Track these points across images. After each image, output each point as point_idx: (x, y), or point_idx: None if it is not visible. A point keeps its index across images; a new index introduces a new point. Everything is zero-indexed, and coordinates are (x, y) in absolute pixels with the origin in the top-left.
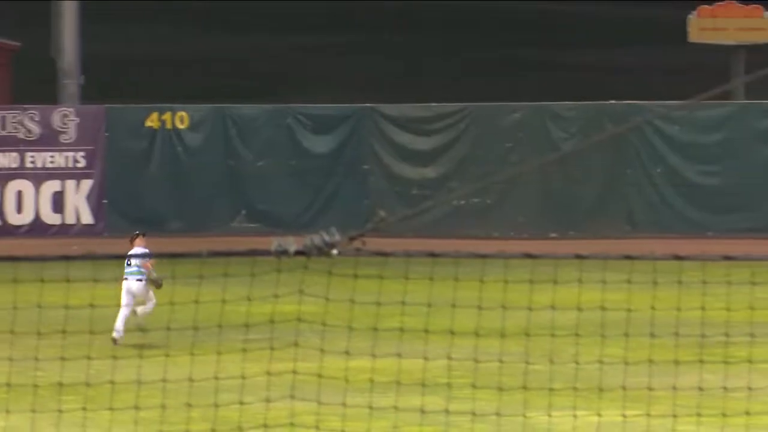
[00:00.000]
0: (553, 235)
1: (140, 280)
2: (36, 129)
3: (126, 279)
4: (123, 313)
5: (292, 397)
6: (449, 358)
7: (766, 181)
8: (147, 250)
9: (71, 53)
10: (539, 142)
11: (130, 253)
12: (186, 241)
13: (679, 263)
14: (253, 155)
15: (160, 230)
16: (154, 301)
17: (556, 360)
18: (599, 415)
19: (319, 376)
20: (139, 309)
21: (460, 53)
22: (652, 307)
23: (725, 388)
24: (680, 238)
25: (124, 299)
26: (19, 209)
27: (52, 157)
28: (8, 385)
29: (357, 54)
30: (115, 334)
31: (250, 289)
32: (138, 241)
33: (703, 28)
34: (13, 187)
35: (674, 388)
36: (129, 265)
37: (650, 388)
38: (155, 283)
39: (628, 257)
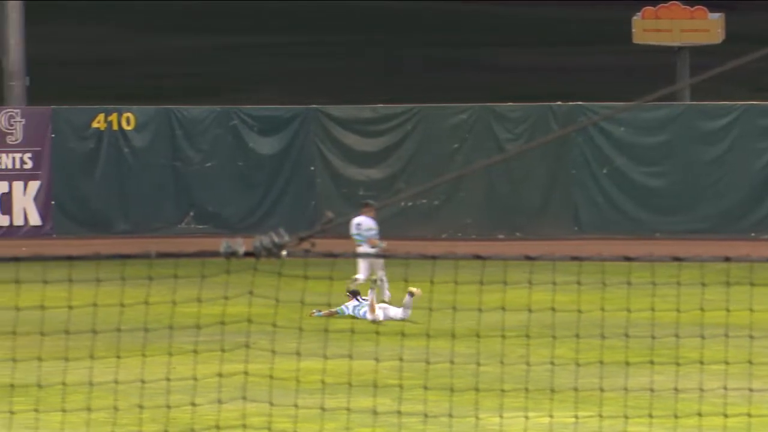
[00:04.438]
0: (501, 236)
1: (363, 245)
2: None
3: (359, 246)
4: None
5: (244, 398)
6: (400, 359)
7: (710, 182)
8: (372, 222)
9: (17, 54)
10: (485, 143)
11: (356, 220)
12: (133, 242)
13: (627, 264)
14: (200, 156)
15: (107, 231)
16: (362, 276)
17: (507, 361)
18: (551, 416)
19: (270, 377)
20: (357, 278)
21: (406, 54)
22: (602, 309)
23: (676, 389)
24: (627, 240)
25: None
26: None
27: None
28: None
29: (303, 55)
30: (358, 276)
31: (200, 291)
32: (366, 210)
33: (648, 29)
34: None
35: (625, 389)
36: (359, 234)
37: (601, 389)
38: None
39: (577, 258)
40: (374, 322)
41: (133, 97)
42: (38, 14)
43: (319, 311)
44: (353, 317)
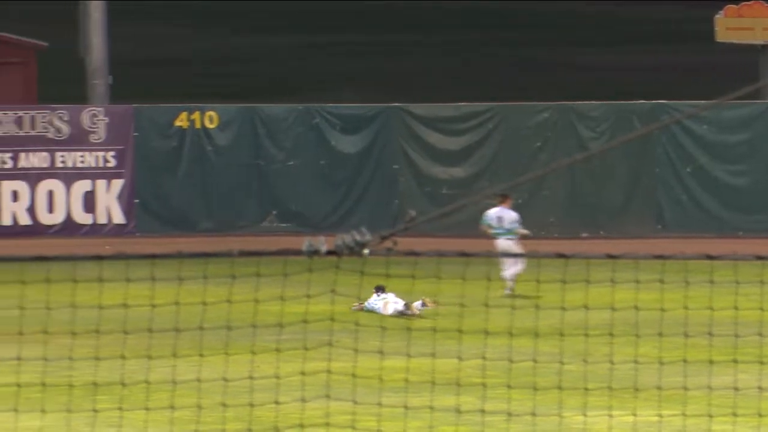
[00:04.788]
0: (584, 234)
1: (510, 239)
2: (65, 129)
3: (497, 238)
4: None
5: (327, 396)
6: (483, 357)
7: None
8: (514, 213)
9: (100, 53)
10: (568, 141)
11: (496, 213)
12: (216, 240)
13: (710, 263)
14: (283, 155)
15: (190, 230)
16: (521, 264)
17: (590, 360)
18: (635, 414)
19: (354, 375)
20: (508, 273)
21: (487, 52)
22: (685, 307)
23: (760, 388)
24: (710, 238)
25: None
26: (50, 209)
27: (82, 156)
28: (43, 384)
29: (386, 53)
30: (508, 284)
31: (282, 289)
32: (505, 202)
33: (730, 27)
34: (43, 187)
35: (709, 387)
36: (500, 227)
37: (685, 388)
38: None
39: (660, 257)
40: (393, 315)
41: (215, 96)
42: (120, 14)
43: (357, 305)
44: (372, 312)
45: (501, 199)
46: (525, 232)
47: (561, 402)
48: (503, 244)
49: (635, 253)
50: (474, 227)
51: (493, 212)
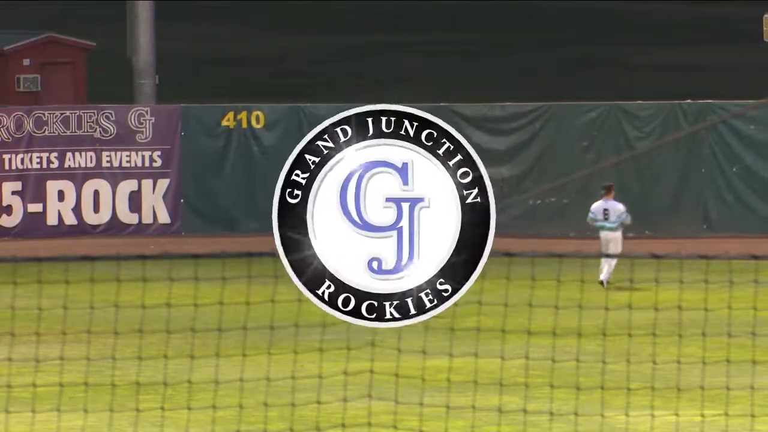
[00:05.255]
0: (630, 234)
1: (616, 231)
2: (112, 128)
3: (603, 230)
4: (607, 260)
5: (370, 396)
6: (526, 357)
7: None
8: (619, 204)
9: (147, 53)
10: (615, 141)
11: (601, 205)
12: (261, 240)
13: (755, 263)
14: None
15: (236, 230)
16: (614, 261)
17: (634, 359)
18: (677, 414)
19: (396, 375)
20: (604, 270)
21: (534, 52)
22: (729, 307)
23: None
24: (756, 238)
25: (604, 248)
26: (96, 209)
27: (128, 156)
28: (86, 384)
29: (431, 53)
30: (602, 276)
31: None
32: (609, 194)
33: None
34: (89, 186)
35: (752, 387)
36: (606, 218)
37: (728, 388)
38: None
39: (705, 257)
40: None
41: (262, 95)
42: (167, 13)
43: None
44: None
45: (605, 191)
46: (629, 222)
47: (604, 402)
48: (608, 236)
49: (680, 252)
50: (518, 227)
51: (597, 205)
